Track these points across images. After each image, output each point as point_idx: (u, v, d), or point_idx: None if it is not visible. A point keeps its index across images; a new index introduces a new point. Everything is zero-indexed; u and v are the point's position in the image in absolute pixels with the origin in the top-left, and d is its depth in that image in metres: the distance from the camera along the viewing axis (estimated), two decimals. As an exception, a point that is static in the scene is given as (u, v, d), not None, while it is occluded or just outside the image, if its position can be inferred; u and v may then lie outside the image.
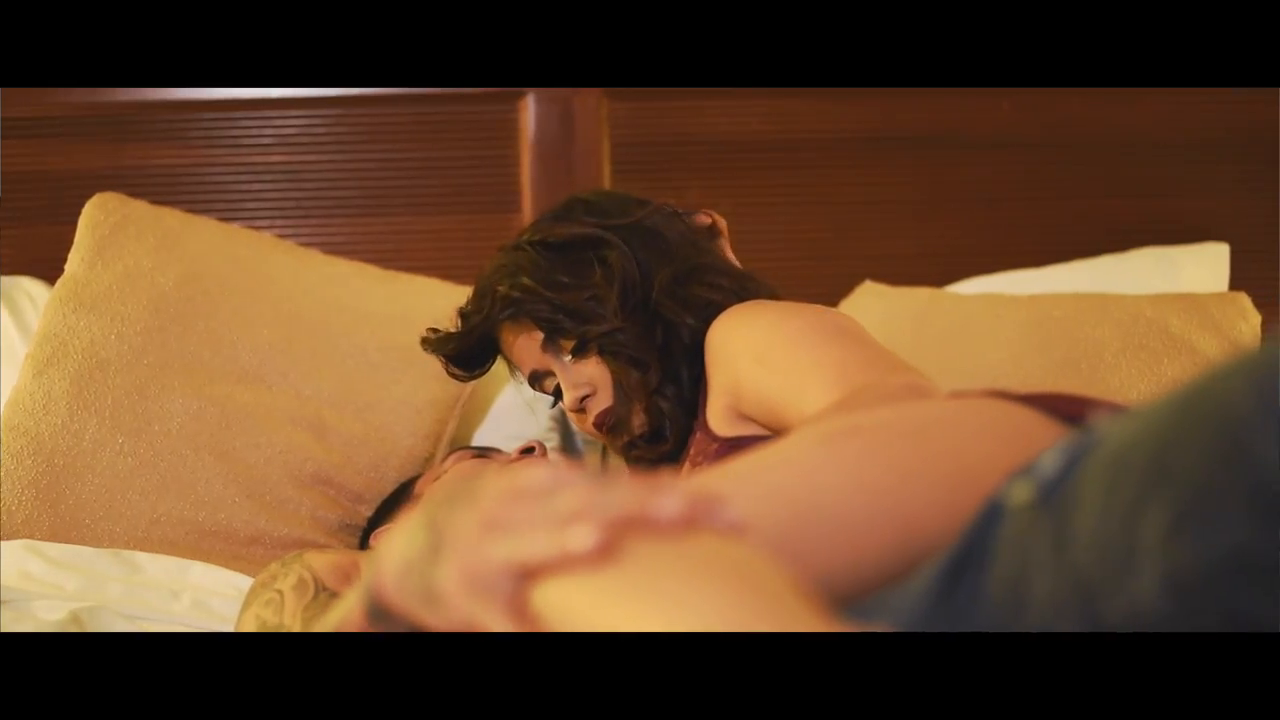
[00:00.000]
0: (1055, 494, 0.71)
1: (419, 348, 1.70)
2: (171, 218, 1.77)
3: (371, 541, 1.48)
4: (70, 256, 1.71)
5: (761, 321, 1.23)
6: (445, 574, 0.71)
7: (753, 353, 1.20)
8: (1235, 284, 2.03)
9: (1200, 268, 2.05)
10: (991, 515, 0.75)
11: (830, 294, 2.01)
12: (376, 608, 0.78)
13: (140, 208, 1.77)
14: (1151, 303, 1.81)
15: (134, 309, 1.65)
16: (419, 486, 1.54)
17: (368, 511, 1.62)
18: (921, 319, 1.84)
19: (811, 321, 1.20)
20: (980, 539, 0.75)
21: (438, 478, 1.51)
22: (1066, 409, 0.91)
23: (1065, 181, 2.17)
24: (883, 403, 1.04)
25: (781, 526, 0.79)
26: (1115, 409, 0.89)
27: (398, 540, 0.76)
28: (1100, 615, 0.66)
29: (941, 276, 2.05)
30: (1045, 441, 0.84)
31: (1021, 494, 0.74)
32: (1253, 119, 2.16)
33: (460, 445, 1.75)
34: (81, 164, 2.04)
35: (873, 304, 1.90)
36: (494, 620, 0.69)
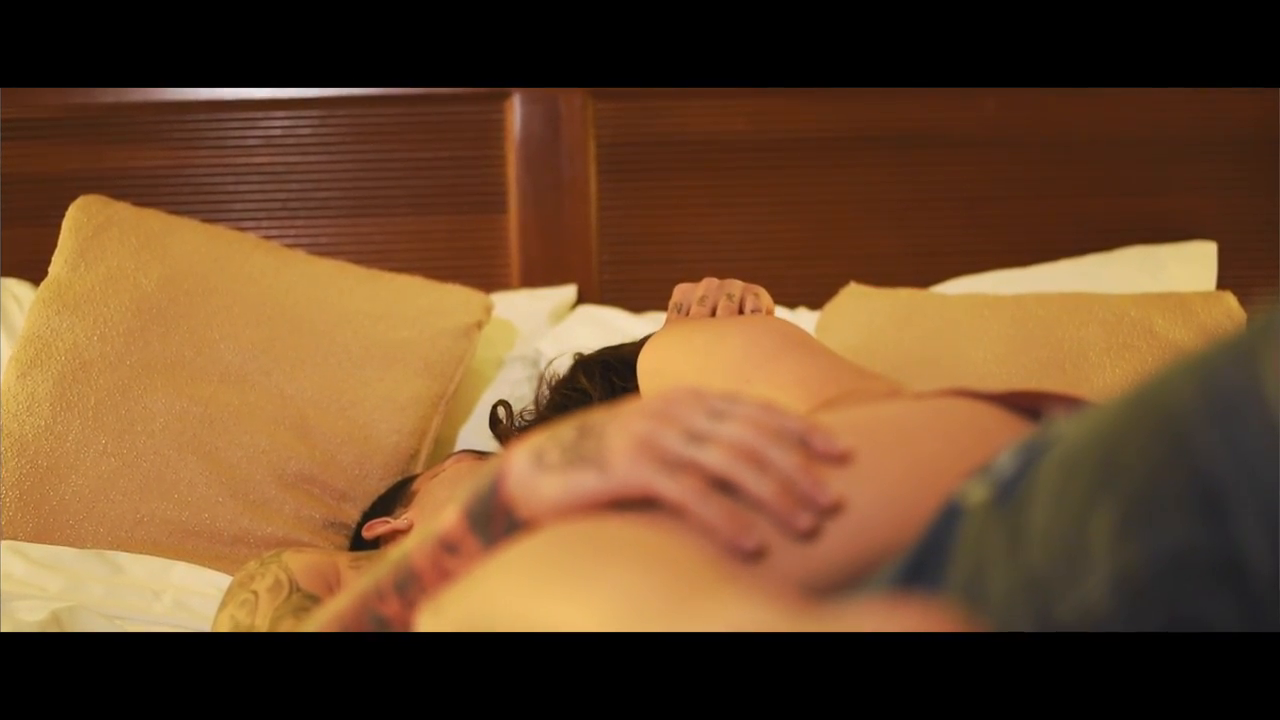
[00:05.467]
0: (1011, 494, 0.71)
1: (401, 345, 1.72)
2: (154, 219, 1.77)
3: (365, 533, 1.47)
4: (54, 259, 1.72)
5: (698, 341, 1.20)
6: (614, 445, 0.79)
7: (694, 375, 1.16)
8: (1222, 283, 2.03)
9: (1187, 266, 2.05)
10: (949, 515, 0.76)
11: (814, 294, 2.01)
12: (485, 504, 0.82)
13: (123, 210, 1.77)
14: (1136, 302, 1.81)
15: (117, 310, 1.66)
16: (418, 484, 1.54)
17: (352, 509, 1.62)
18: (905, 320, 1.83)
19: (754, 336, 1.16)
20: (938, 539, 0.75)
21: (436, 475, 1.51)
22: (1028, 404, 0.91)
23: (1051, 180, 2.16)
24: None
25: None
26: (1073, 405, 0.89)
27: (528, 441, 0.83)
28: (1053, 615, 0.66)
29: (926, 276, 2.05)
30: (1004, 437, 0.84)
31: (978, 494, 0.74)
32: (1240, 117, 2.16)
33: (460, 448, 1.75)
34: (66, 166, 2.04)
35: (857, 305, 1.90)
36: (663, 484, 0.77)
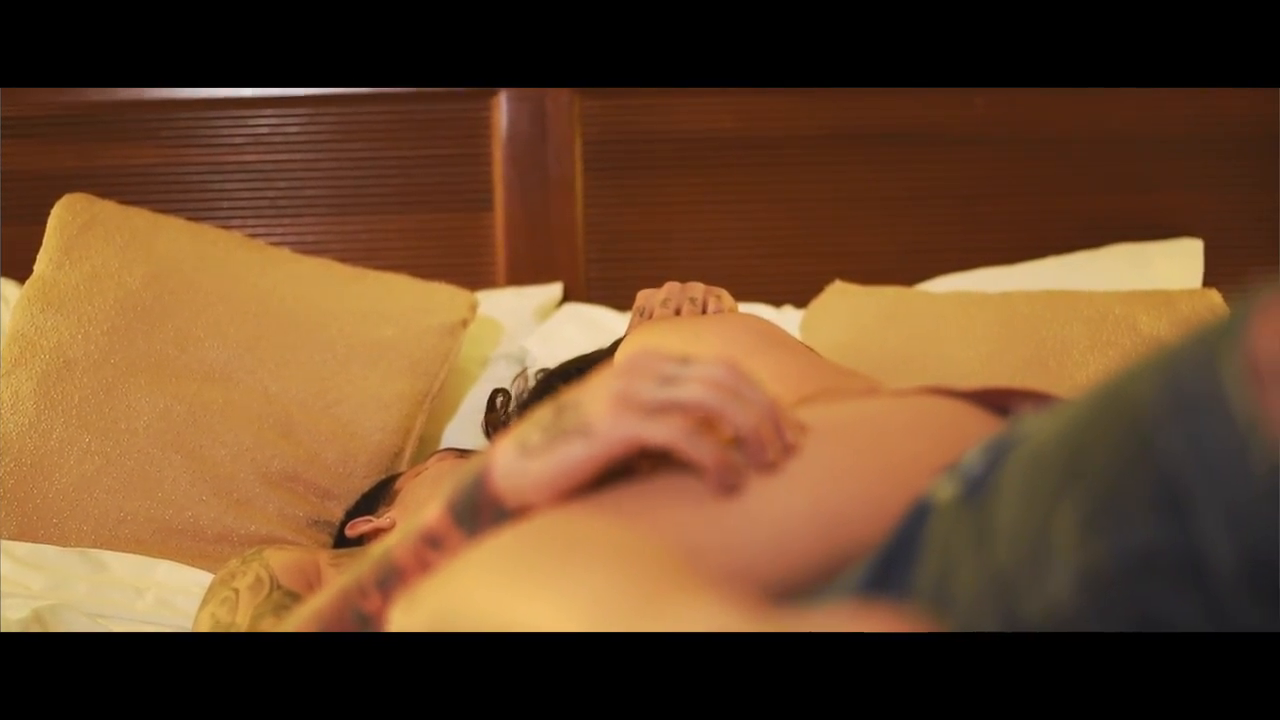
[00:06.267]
0: (979, 492, 0.71)
1: (386, 343, 1.72)
2: (139, 217, 1.77)
3: (348, 531, 1.48)
4: (39, 257, 1.72)
5: (674, 339, 1.19)
6: (590, 408, 0.80)
7: None
8: (1209, 280, 2.04)
9: (1174, 264, 2.05)
10: (919, 513, 0.76)
11: (801, 292, 2.01)
12: (471, 498, 0.83)
13: (108, 208, 1.77)
14: (1121, 300, 1.81)
15: (101, 309, 1.66)
16: (400, 483, 1.54)
17: (335, 507, 1.62)
18: (890, 318, 1.84)
19: (732, 333, 1.17)
20: (908, 537, 0.76)
21: (419, 474, 1.52)
22: (1000, 402, 0.91)
23: (1039, 178, 2.17)
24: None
25: (707, 523, 0.79)
26: (1042, 402, 0.90)
27: (513, 431, 0.84)
28: (1018, 613, 0.66)
29: (913, 274, 2.05)
30: (980, 436, 0.84)
31: (947, 492, 0.74)
32: (1229, 115, 2.16)
33: (443, 447, 1.75)
34: (54, 164, 2.04)
35: (842, 303, 1.90)
36: (648, 430, 0.78)
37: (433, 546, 0.84)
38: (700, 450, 0.78)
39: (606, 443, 0.79)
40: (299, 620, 0.95)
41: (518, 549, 0.73)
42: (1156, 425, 0.61)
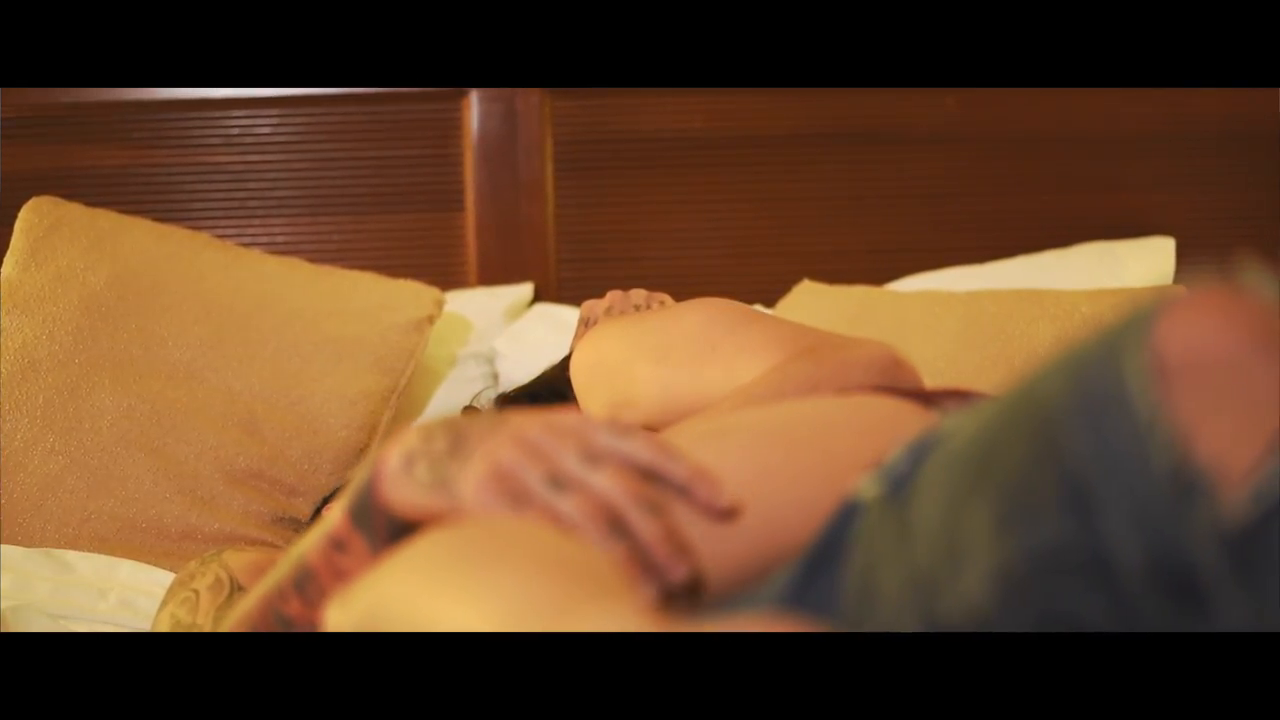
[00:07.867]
0: (902, 491, 0.72)
1: (351, 340, 1.72)
2: (104, 219, 1.78)
3: (326, 511, 1.46)
4: (5, 260, 1.73)
5: (647, 326, 1.17)
6: (471, 470, 0.77)
7: (647, 357, 1.12)
8: (1181, 278, 2.04)
9: (1145, 262, 2.05)
10: (847, 513, 0.76)
11: (770, 291, 2.02)
12: (365, 502, 0.82)
13: (74, 210, 1.77)
14: (1089, 298, 1.81)
15: (65, 309, 1.66)
16: None
17: (300, 504, 1.63)
18: (858, 317, 1.84)
19: (712, 312, 1.14)
20: (836, 536, 0.76)
21: None
22: (944, 402, 0.92)
23: (1010, 177, 2.17)
24: (846, 351, 1.05)
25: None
26: (967, 400, 0.90)
27: (406, 437, 0.81)
28: (936, 612, 0.67)
29: (884, 273, 2.06)
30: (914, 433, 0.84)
31: (872, 491, 0.75)
32: (1200, 114, 2.17)
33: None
34: (25, 165, 2.04)
35: (810, 302, 1.91)
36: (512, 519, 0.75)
37: (338, 550, 0.84)
38: None
39: (467, 512, 0.77)
40: (231, 623, 0.95)
41: (446, 550, 0.73)
42: (1063, 424, 0.62)
